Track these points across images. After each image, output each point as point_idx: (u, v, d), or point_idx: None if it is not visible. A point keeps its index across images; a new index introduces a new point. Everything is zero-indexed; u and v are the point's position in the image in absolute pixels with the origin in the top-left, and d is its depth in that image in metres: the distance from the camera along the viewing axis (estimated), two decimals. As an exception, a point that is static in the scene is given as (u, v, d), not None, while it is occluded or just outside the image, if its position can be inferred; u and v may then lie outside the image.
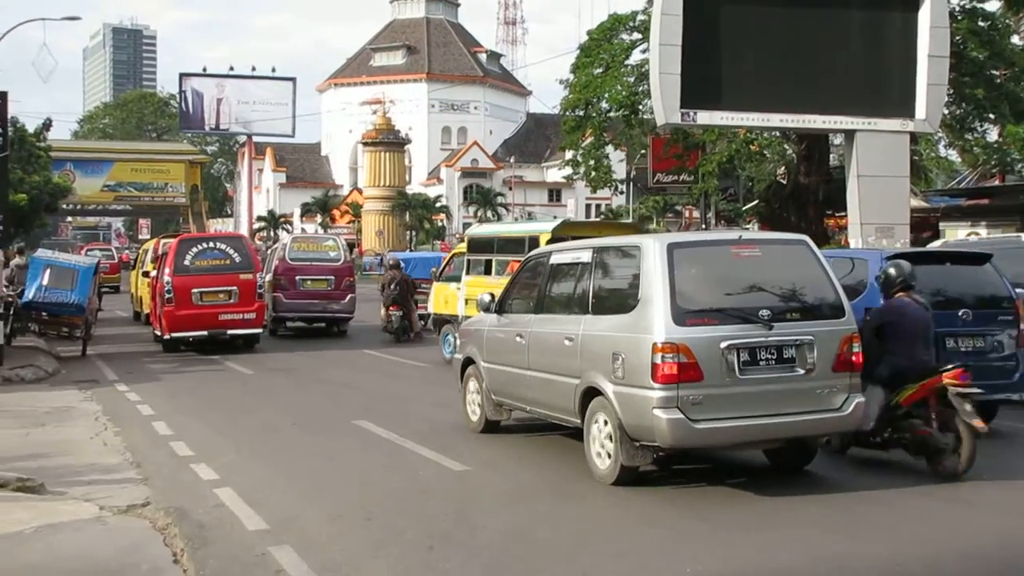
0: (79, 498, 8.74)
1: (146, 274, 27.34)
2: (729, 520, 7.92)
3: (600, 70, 30.68)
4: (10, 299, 19.83)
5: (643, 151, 44.35)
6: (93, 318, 21.33)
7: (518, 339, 10.79)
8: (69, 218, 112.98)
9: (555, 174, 76.79)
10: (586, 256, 10.13)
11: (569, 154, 33.81)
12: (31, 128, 38.07)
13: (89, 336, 21.49)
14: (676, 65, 22.29)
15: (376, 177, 62.52)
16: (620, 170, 65.95)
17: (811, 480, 9.40)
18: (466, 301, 17.99)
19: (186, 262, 21.28)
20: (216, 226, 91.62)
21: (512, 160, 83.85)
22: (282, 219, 78.96)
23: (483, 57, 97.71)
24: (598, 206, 79.57)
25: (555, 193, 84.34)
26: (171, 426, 12.47)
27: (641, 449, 8.86)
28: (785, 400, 8.69)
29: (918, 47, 23.54)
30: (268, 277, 24.13)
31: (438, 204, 74.31)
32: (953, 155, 46.07)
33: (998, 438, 10.87)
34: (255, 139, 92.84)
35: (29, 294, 20.39)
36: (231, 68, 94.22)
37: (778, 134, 34.04)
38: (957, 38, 27.06)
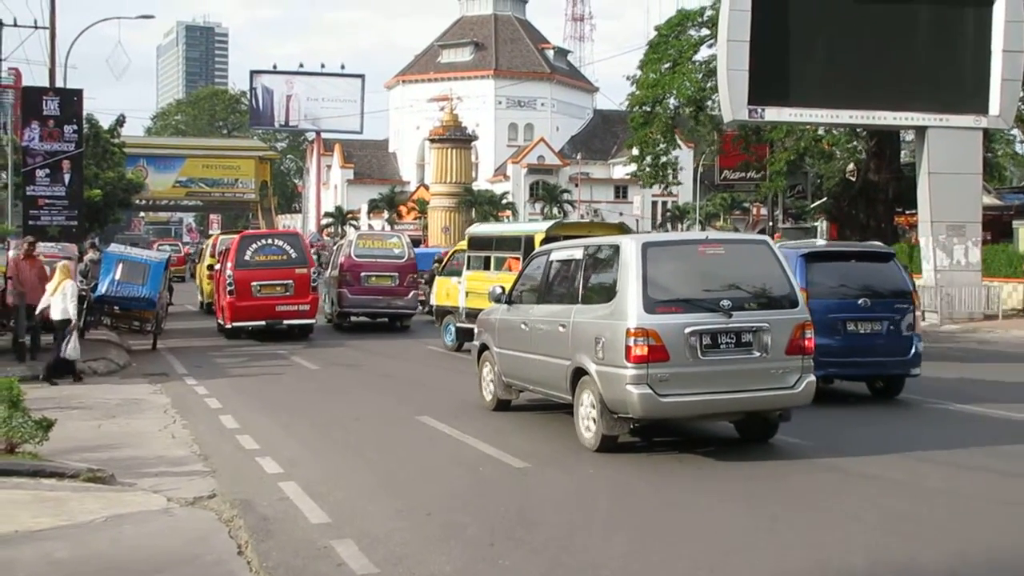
0: (147, 489, 8.90)
1: (210, 267, 28.64)
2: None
3: (668, 66, 30.52)
4: (83, 293, 20.23)
5: (710, 147, 44.04)
6: (164, 312, 21.68)
7: (523, 327, 12.17)
8: (142, 213, 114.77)
9: (621, 171, 76.50)
10: (579, 254, 11.64)
11: (635, 151, 33.68)
12: (106, 125, 38.82)
13: (160, 330, 21.85)
14: (744, 61, 22.10)
15: (442, 173, 62.66)
16: (687, 167, 65.69)
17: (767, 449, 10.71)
18: (467, 294, 19.86)
19: (246, 257, 22.85)
20: (285, 222, 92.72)
21: (578, 157, 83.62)
22: (349, 215, 79.53)
23: (550, 53, 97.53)
24: (664, 203, 79.16)
25: (621, 190, 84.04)
26: (237, 420, 12.64)
27: (618, 420, 10.24)
28: (743, 379, 10.04)
29: (992, 42, 23.12)
30: (334, 273, 25.58)
31: (504, 201, 74.31)
32: (1028, 152, 45.17)
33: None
34: (324, 136, 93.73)
35: (102, 288, 20.78)
36: (300, 65, 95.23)
37: (847, 131, 33.61)
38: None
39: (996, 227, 31.03)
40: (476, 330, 14.18)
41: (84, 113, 28.17)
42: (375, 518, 8.02)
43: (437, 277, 22.87)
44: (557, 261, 12.15)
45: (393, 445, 11.22)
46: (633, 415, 10.03)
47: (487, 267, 19.79)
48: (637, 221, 75.04)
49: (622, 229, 20.96)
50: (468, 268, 20.25)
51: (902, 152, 34.51)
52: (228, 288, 22.60)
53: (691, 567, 6.83)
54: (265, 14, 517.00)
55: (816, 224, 48.08)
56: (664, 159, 32.43)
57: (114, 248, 24.25)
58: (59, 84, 30.31)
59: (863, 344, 13.69)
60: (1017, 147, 43.93)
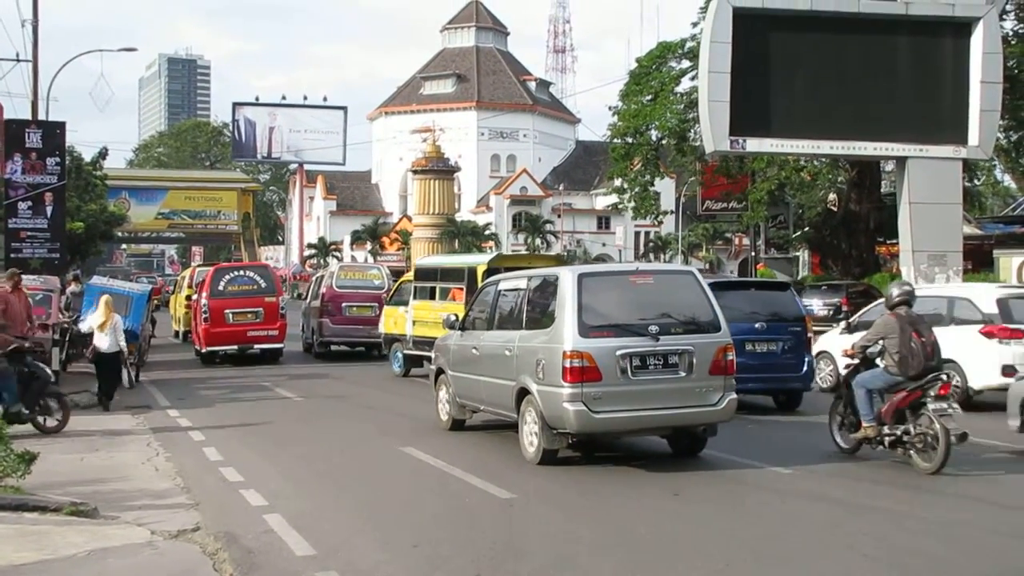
0: (131, 522, 8.84)
1: (188, 298, 29.91)
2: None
3: (649, 97, 30.69)
4: (66, 326, 20.12)
5: (692, 178, 44.33)
6: (146, 345, 21.59)
7: (474, 351, 13.19)
8: (124, 245, 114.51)
9: (604, 202, 76.74)
10: (522, 284, 12.66)
11: (617, 182, 33.79)
12: (88, 157, 38.76)
13: (142, 362, 21.74)
14: (725, 92, 22.25)
15: (425, 205, 62.73)
16: (668, 197, 65.96)
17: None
18: (414, 322, 20.97)
19: (220, 287, 24.78)
20: (267, 253, 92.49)
21: (561, 188, 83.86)
22: (332, 246, 79.50)
23: (532, 85, 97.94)
24: (647, 234, 79.35)
25: (604, 221, 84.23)
26: (221, 452, 12.58)
27: (557, 435, 11.23)
28: (669, 396, 10.94)
29: (970, 73, 23.33)
30: (315, 303, 26.66)
31: (487, 232, 74.48)
32: (1010, 181, 45.53)
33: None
34: (306, 167, 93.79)
35: (84, 321, 20.66)
36: (283, 97, 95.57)
37: (828, 161, 33.84)
38: (1011, 62, 26.80)
39: (977, 256, 31.21)
40: (433, 355, 15.16)
41: (66, 145, 28.13)
42: (360, 550, 7.99)
43: (385, 306, 23.65)
44: (504, 291, 13.14)
45: (378, 476, 11.19)
46: (570, 430, 11.02)
47: (432, 297, 20.82)
48: (620, 251, 75.26)
49: (560, 261, 22.70)
50: (415, 298, 21.22)
51: (883, 182, 34.75)
52: (204, 315, 24.46)
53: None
54: (247, 47, 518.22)
55: (798, 254, 48.29)
56: (652, 190, 32.57)
57: (96, 280, 24.16)
58: (41, 117, 30.28)
59: (761, 362, 15.44)
60: (998, 176, 44.23)
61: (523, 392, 11.68)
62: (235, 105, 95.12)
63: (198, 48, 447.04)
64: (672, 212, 58.08)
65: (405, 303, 21.75)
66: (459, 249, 61.47)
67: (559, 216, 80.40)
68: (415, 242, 63.45)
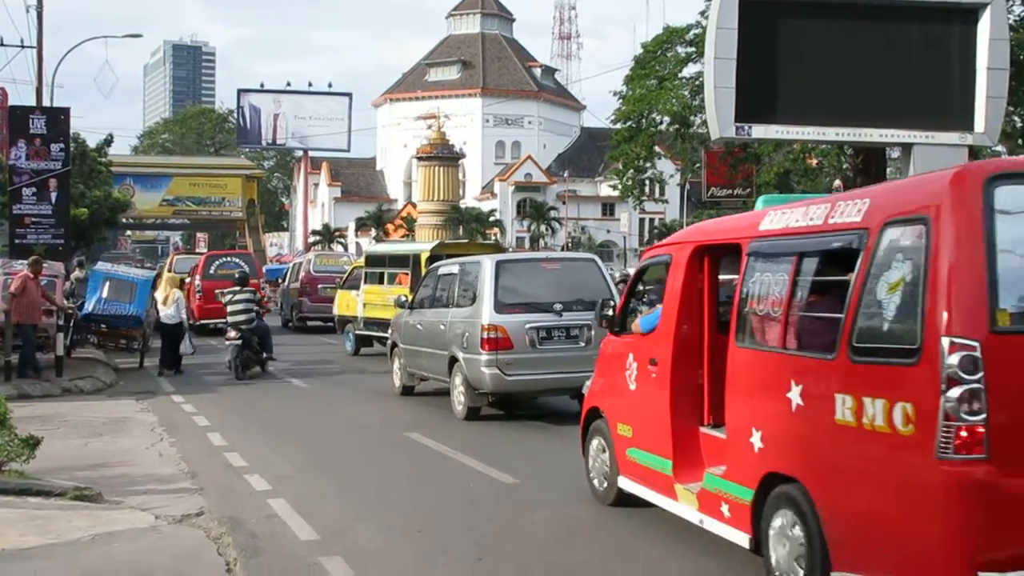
0: (135, 507, 8.86)
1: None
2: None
3: (654, 83, 30.57)
4: (70, 311, 20.13)
5: (697, 164, 44.16)
6: (151, 330, 21.63)
7: (418, 327, 15.43)
8: (128, 232, 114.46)
9: (608, 189, 76.67)
10: (455, 269, 14.86)
11: (621, 165, 33.72)
12: (93, 143, 38.72)
13: (147, 348, 21.76)
14: (731, 79, 22.15)
15: (430, 191, 62.72)
16: (673, 184, 65.80)
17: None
18: (364, 305, 22.61)
19: (211, 271, 29.59)
20: (272, 240, 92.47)
21: (566, 174, 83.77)
22: (337, 233, 79.43)
23: (537, 72, 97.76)
24: (651, 220, 79.26)
25: (608, 207, 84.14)
26: (226, 437, 12.60)
27: (478, 395, 13.47)
28: (571, 363, 12.71)
29: (977, 60, 23.23)
30: (295, 285, 31.40)
31: (491, 218, 74.40)
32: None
33: None
34: (311, 154, 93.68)
35: (88, 307, 20.69)
36: (288, 84, 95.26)
37: (834, 148, 33.71)
38: (1016, 48, 26.65)
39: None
40: (390, 331, 17.39)
41: (71, 132, 28.07)
42: (364, 535, 8.00)
43: (338, 291, 25.90)
44: (442, 275, 15.30)
45: (382, 461, 11.21)
46: (487, 390, 13.32)
47: (381, 281, 22.35)
48: (624, 238, 75.17)
49: (497, 248, 24.92)
50: (365, 282, 22.90)
51: (888, 169, 34.67)
52: (198, 294, 28.52)
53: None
54: (252, 33, 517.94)
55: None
56: (647, 174, 32.49)
57: (101, 266, 24.16)
58: (46, 103, 30.22)
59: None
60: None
61: (453, 360, 13.84)
62: (240, 92, 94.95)
63: (203, 35, 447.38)
64: (668, 201, 58.03)
65: (356, 287, 23.50)
66: (463, 236, 61.53)
67: (563, 203, 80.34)
68: (419, 229, 63.50)
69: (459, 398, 13.82)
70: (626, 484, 8.37)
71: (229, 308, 19.52)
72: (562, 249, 65.61)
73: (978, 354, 5.01)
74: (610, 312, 8.81)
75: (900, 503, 5.31)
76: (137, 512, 8.65)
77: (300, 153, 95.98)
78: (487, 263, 13.77)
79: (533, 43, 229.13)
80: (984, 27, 23.05)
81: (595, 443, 8.96)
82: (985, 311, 5.09)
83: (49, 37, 30.53)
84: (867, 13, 23.28)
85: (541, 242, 76.16)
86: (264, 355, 19.83)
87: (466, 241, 41.67)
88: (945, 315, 5.09)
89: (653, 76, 30.66)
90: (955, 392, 5.01)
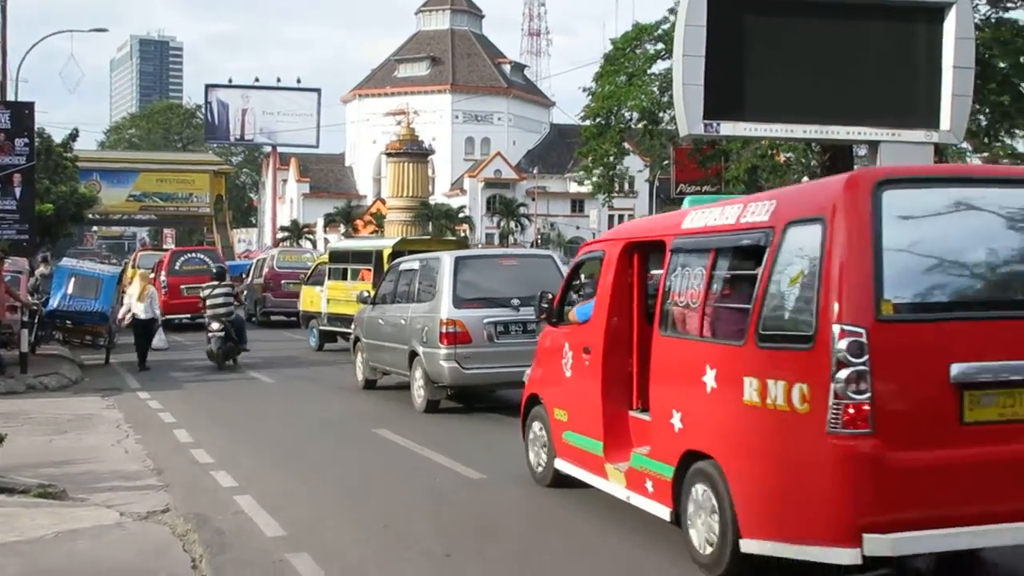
0: (100, 504, 8.79)
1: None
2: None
3: (624, 79, 30.61)
4: (35, 308, 19.95)
5: (665, 161, 44.26)
6: (116, 326, 21.49)
7: (380, 322, 15.70)
8: (94, 228, 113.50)
9: (578, 185, 76.74)
10: (416, 265, 15.17)
11: (590, 161, 33.80)
12: (58, 139, 38.33)
13: (112, 344, 21.60)
14: (699, 76, 22.19)
15: (399, 187, 62.46)
16: (641, 180, 65.83)
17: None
18: (328, 300, 22.84)
19: (176, 267, 30.09)
20: (240, 236, 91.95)
21: (535, 171, 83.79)
22: (305, 229, 79.06)
23: (507, 68, 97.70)
24: (621, 216, 79.37)
25: (578, 204, 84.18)
26: (192, 433, 12.53)
27: (437, 388, 13.73)
28: (528, 357, 11.36)
29: (943, 58, 23.40)
30: (259, 280, 32.07)
31: (461, 215, 74.29)
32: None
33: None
34: (279, 150, 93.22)
35: (53, 303, 20.52)
36: (256, 79, 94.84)
37: (802, 145, 33.87)
38: (981, 47, 26.86)
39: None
40: (352, 326, 17.60)
41: (36, 127, 27.77)
42: (332, 531, 7.97)
43: (303, 286, 26.24)
44: (403, 270, 15.64)
45: (349, 458, 11.17)
46: (446, 383, 13.58)
47: (345, 277, 22.71)
48: (594, 234, 75.24)
49: (460, 244, 25.34)
50: (329, 278, 23.24)
51: (855, 166, 34.85)
52: (163, 289, 28.00)
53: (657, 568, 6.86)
54: (220, 28, 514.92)
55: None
56: (614, 171, 32.61)
57: (66, 262, 23.97)
58: (10, 98, 29.91)
59: None
60: (968, 161, 44.45)
61: (413, 354, 14.10)
62: (208, 87, 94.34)
63: (170, 30, 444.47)
64: (637, 193, 58.13)
65: (321, 283, 23.75)
66: (433, 232, 61.46)
67: (533, 199, 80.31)
68: (388, 225, 63.23)
69: (419, 391, 14.11)
70: (562, 465, 8.89)
71: (209, 302, 20.00)
72: (531, 246, 65.63)
73: (864, 340, 5.58)
74: (548, 304, 9.30)
75: (798, 474, 5.86)
76: (102, 509, 8.58)
77: (268, 149, 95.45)
78: (446, 259, 14.10)
79: (502, 39, 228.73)
80: (950, 26, 23.22)
81: (534, 428, 9.53)
82: (871, 302, 5.65)
83: (13, 31, 30.30)
84: (835, 11, 23.40)
85: (511, 238, 76.15)
86: (240, 345, 20.34)
87: (429, 238, 42.02)
88: (836, 305, 5.66)
89: (622, 73, 30.71)
90: (844, 373, 5.58)
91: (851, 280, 5.67)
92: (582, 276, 10.01)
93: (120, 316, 20.35)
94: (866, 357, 5.57)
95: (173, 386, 17.55)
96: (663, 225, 7.98)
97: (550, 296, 9.41)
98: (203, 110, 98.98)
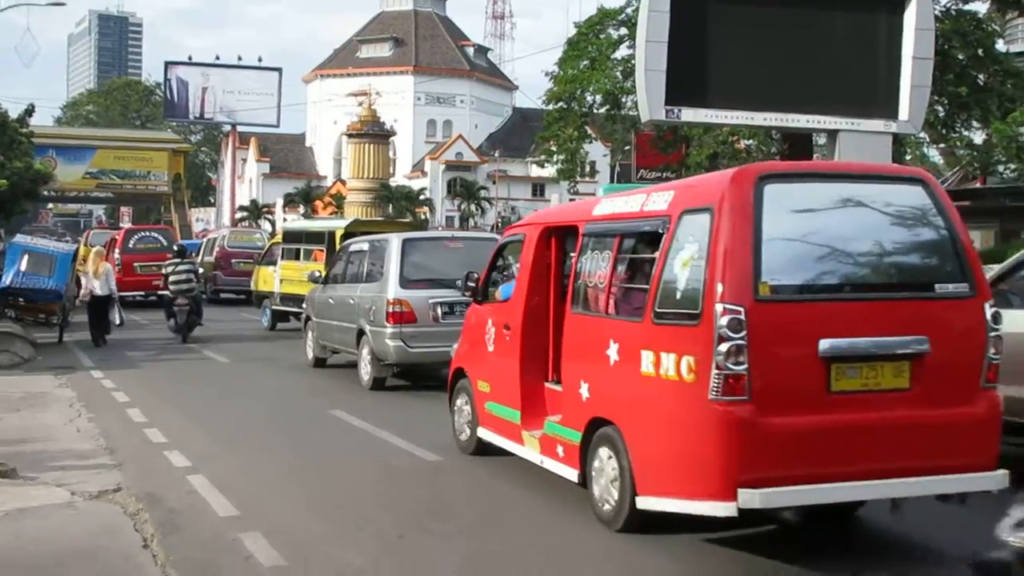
0: (51, 483, 8.70)
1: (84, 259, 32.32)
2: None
3: (586, 64, 30.61)
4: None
5: (627, 147, 44.36)
6: (71, 304, 21.22)
7: (330, 301, 16.10)
8: (50, 205, 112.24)
9: (539, 169, 76.73)
10: (365, 246, 15.55)
11: (551, 146, 33.81)
12: (13, 114, 37.81)
13: (66, 323, 21.37)
14: (662, 62, 22.23)
15: (360, 169, 62.11)
16: (603, 166, 65.91)
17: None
18: (281, 280, 23.01)
19: (130, 245, 30.66)
20: (198, 215, 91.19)
21: (497, 154, 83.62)
22: (265, 209, 78.51)
23: (470, 51, 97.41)
24: (582, 202, 79.49)
25: (539, 187, 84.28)
26: (145, 413, 12.41)
27: (383, 366, 14.15)
28: None
29: (903, 48, 23.55)
30: (210, 259, 32.88)
31: (421, 197, 74.09)
32: (937, 156, 46.15)
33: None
34: (239, 129, 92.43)
35: (6, 280, 20.25)
36: (217, 57, 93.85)
37: (762, 133, 34.00)
38: (941, 38, 27.07)
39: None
40: (304, 305, 17.98)
41: (-10, 100, 27.43)
42: (284, 511, 7.94)
43: (257, 267, 26.51)
44: (353, 251, 15.99)
45: (304, 438, 11.12)
46: (391, 361, 14.02)
47: (298, 257, 22.76)
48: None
49: (413, 227, 25.44)
50: (282, 258, 23.27)
51: (815, 155, 35.07)
52: (117, 267, 27.45)
53: (604, 548, 6.87)
54: (181, 5, 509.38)
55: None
56: (578, 155, 32.67)
57: (19, 239, 23.65)
58: (-35, 70, 29.48)
59: None
60: (929, 151, 44.87)
61: (361, 333, 14.53)
62: (167, 64, 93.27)
63: (130, 5, 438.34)
64: (598, 176, 58.14)
65: (275, 264, 23.92)
66: (393, 214, 61.24)
67: (494, 182, 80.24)
68: (348, 206, 62.89)
69: (366, 368, 14.49)
70: (484, 434, 9.54)
71: (172, 278, 20.91)
72: (492, 229, 65.57)
73: (743, 317, 6.17)
74: (473, 284, 10.03)
75: (685, 437, 6.49)
76: (53, 488, 8.50)
77: (228, 128, 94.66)
78: (394, 241, 14.48)
79: (466, 22, 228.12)
80: (910, 17, 23.36)
81: (460, 400, 10.14)
82: (750, 284, 6.25)
83: (-32, 4, 29.73)
84: (797, 0, 23.49)
85: (471, 221, 76.04)
86: (199, 319, 21.33)
87: (382, 219, 42.03)
88: (720, 286, 6.25)
89: (586, 57, 30.71)
90: (724, 347, 6.16)
91: (733, 264, 6.27)
92: (508, 258, 10.60)
93: (82, 294, 20.98)
94: (744, 333, 6.15)
95: (127, 365, 17.40)
96: (577, 211, 8.85)
97: (475, 276, 10.06)
98: (162, 87, 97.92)
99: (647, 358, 6.73)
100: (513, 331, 8.85)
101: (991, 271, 8.93)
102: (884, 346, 6.51)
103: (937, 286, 6.74)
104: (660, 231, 6.89)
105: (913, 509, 7.09)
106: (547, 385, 8.58)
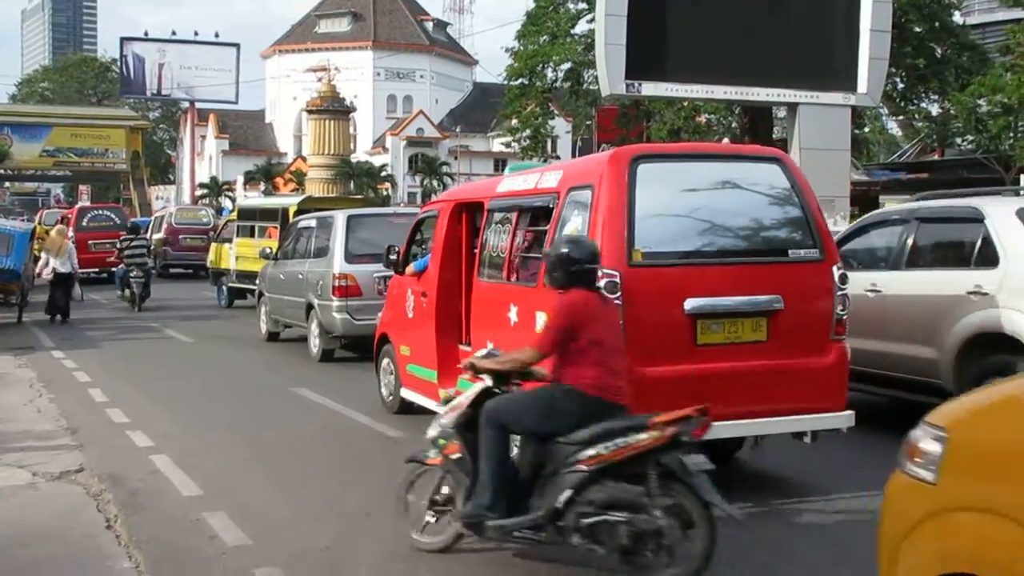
0: (12, 464, 8.64)
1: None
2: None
3: (546, 39, 30.56)
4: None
5: (588, 122, 44.39)
6: (29, 284, 21.00)
7: (281, 276, 16.64)
8: (6, 184, 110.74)
9: (501, 144, 76.56)
10: (313, 223, 16.19)
11: (513, 122, 33.76)
12: (-33, 91, 37.28)
13: (25, 303, 21.16)
14: (622, 36, 22.24)
15: (320, 145, 61.77)
16: (565, 141, 65.87)
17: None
18: (237, 257, 23.16)
19: (84, 223, 31.60)
20: (158, 193, 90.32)
21: (458, 130, 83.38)
22: (225, 186, 77.91)
23: (430, 26, 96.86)
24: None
25: (500, 163, 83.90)
26: (107, 393, 12.33)
27: (331, 338, 14.81)
28: None
29: (860, 22, 23.67)
30: (159, 235, 33.87)
31: (383, 173, 73.78)
32: (895, 128, 46.49)
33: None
34: (198, 105, 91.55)
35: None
36: (173, 33, 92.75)
37: (723, 107, 34.13)
38: (898, 11, 27.23)
39: (863, 201, 31.89)
40: (257, 281, 18.43)
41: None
42: (249, 490, 7.92)
43: (212, 244, 26.82)
44: (302, 228, 16.60)
45: (267, 417, 11.08)
46: (338, 333, 14.63)
47: (252, 234, 22.96)
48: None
49: (367, 202, 26.51)
50: (238, 235, 23.50)
51: (775, 128, 35.25)
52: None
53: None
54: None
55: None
56: (542, 131, 32.65)
57: (-25, 218, 23.36)
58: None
59: None
60: (885, 123, 45.17)
61: (310, 307, 15.18)
62: (123, 40, 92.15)
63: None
64: (560, 157, 58.22)
65: (230, 241, 24.07)
66: (355, 190, 60.93)
67: (456, 158, 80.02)
68: (309, 183, 62.57)
69: (315, 341, 15.18)
70: (407, 394, 10.35)
71: (127, 252, 22.69)
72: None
73: (618, 280, 6.94)
74: (395, 256, 10.81)
75: None
76: (13, 469, 8.45)
77: (186, 104, 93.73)
78: (339, 217, 15.21)
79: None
80: (868, -11, 23.45)
81: (384, 363, 10.99)
82: (624, 251, 7.06)
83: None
84: (756, -27, 23.52)
85: (433, 197, 75.83)
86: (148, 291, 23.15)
87: (336, 196, 42.16)
88: None
89: (545, 32, 30.66)
90: None
91: (610, 234, 7.06)
92: (419, 232, 11.12)
93: (38, 271, 21.43)
94: (619, 293, 6.88)
95: (88, 345, 17.26)
96: (484, 188, 9.66)
97: (397, 249, 10.86)
98: (118, 64, 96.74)
99: (541, 318, 7.24)
100: (429, 299, 9.66)
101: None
102: (743, 304, 7.35)
103: (791, 251, 7.60)
104: (551, 206, 7.73)
105: (773, 446, 8.37)
106: (461, 347, 9.20)
